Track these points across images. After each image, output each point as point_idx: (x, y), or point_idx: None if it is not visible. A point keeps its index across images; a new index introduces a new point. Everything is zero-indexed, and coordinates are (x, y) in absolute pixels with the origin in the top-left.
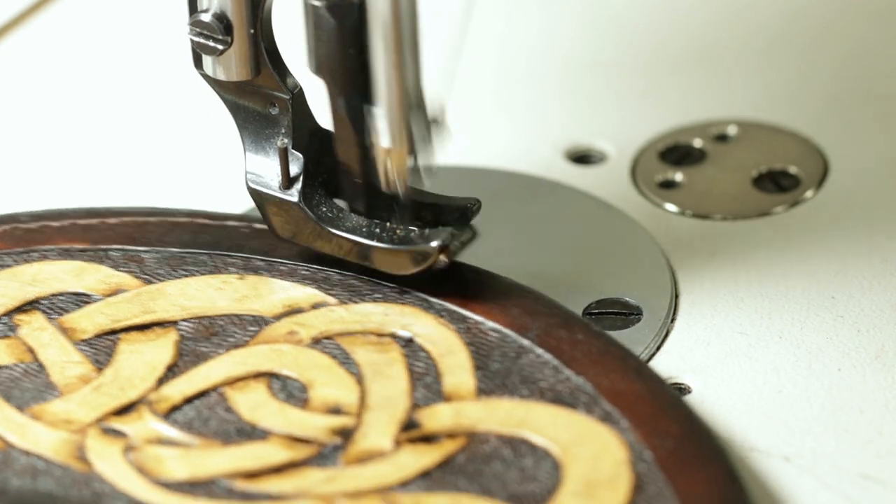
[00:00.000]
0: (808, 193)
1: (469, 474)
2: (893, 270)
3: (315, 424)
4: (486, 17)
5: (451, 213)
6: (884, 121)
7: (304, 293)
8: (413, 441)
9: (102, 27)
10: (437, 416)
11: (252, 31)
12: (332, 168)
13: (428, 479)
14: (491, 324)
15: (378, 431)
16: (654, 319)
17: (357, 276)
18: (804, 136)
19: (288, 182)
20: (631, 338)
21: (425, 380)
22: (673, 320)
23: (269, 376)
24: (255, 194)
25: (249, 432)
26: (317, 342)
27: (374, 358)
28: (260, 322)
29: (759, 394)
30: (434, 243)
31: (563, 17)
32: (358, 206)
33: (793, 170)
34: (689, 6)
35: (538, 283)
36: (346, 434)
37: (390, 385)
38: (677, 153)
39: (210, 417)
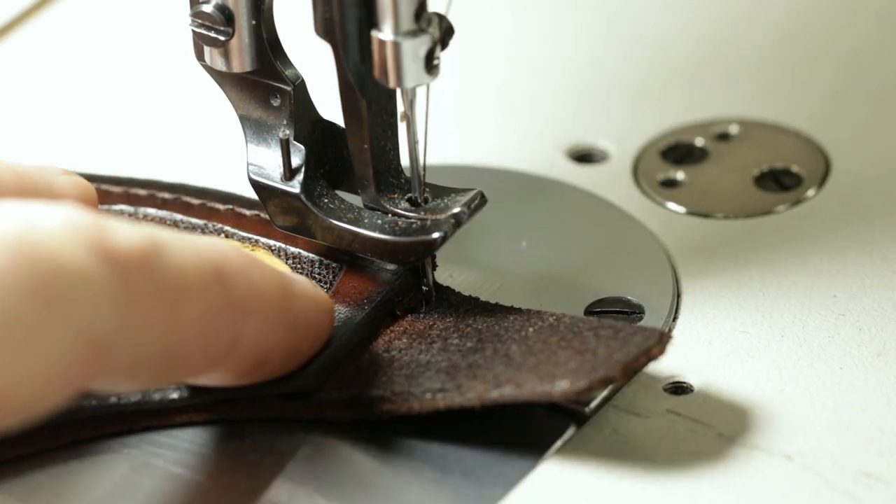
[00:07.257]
0: (810, 192)
1: None
2: (895, 269)
3: None
4: (489, 17)
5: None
6: (885, 120)
7: None
8: None
9: (103, 27)
10: None
11: (254, 22)
12: (334, 159)
13: None
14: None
15: None
16: (656, 318)
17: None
18: (806, 135)
19: (290, 173)
20: None
21: None
22: (675, 319)
23: None
24: (257, 186)
25: None
26: None
27: None
28: None
29: (760, 392)
30: (435, 235)
31: (565, 17)
32: (365, 175)
33: (794, 169)
34: (690, 6)
35: (540, 281)
36: None
37: None
38: (679, 152)
39: None
